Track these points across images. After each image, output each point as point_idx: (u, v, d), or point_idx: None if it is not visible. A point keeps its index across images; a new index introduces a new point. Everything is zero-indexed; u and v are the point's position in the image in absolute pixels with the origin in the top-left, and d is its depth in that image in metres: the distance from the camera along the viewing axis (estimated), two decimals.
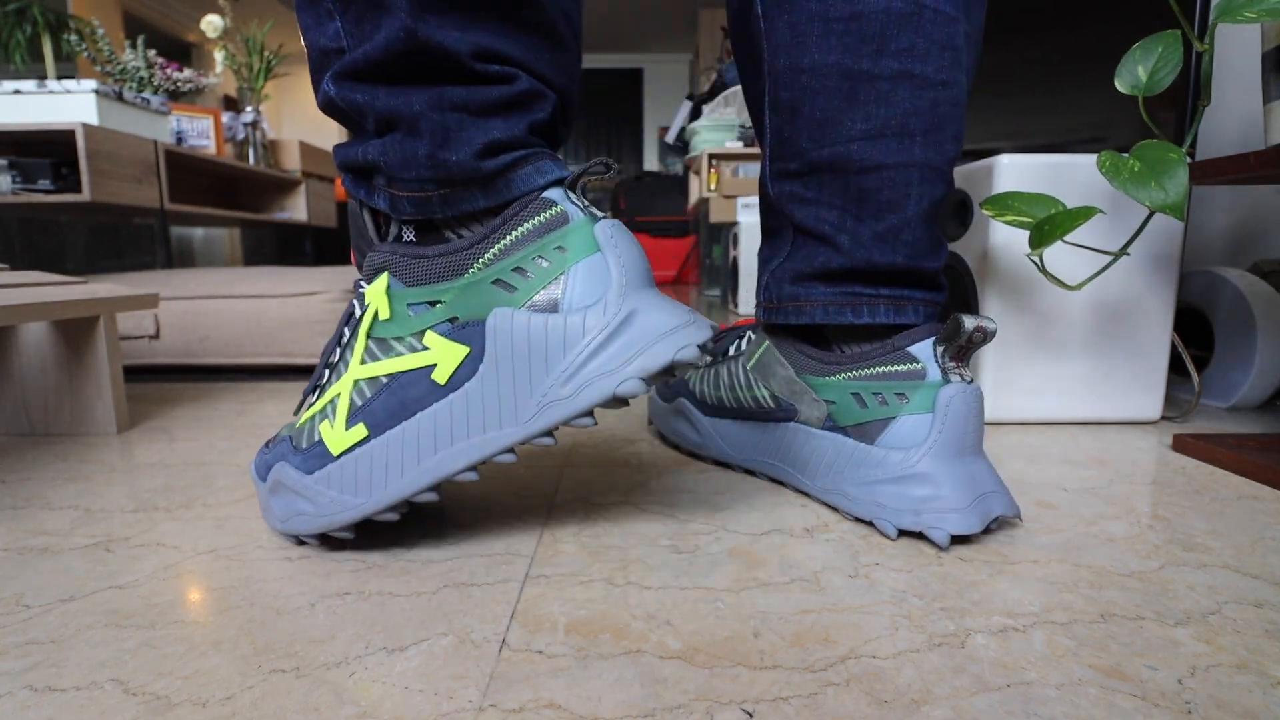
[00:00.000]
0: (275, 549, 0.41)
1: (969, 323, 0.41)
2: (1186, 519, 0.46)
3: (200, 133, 1.99)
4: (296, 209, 2.25)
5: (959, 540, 0.42)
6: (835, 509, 0.47)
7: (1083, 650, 0.30)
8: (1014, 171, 0.67)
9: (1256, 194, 0.97)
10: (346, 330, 0.40)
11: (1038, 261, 0.60)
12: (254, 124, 2.17)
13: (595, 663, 0.29)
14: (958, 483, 0.41)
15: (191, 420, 0.75)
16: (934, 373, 0.43)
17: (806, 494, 0.50)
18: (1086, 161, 0.67)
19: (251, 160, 2.19)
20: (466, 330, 0.37)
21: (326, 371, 0.42)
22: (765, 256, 0.54)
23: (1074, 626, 0.32)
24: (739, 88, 2.94)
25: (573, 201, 0.38)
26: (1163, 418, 0.74)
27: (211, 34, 2.09)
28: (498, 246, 0.37)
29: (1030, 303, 0.69)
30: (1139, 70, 0.59)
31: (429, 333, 0.37)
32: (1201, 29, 0.70)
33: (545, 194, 0.37)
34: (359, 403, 0.38)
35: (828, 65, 0.45)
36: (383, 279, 0.38)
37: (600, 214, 0.38)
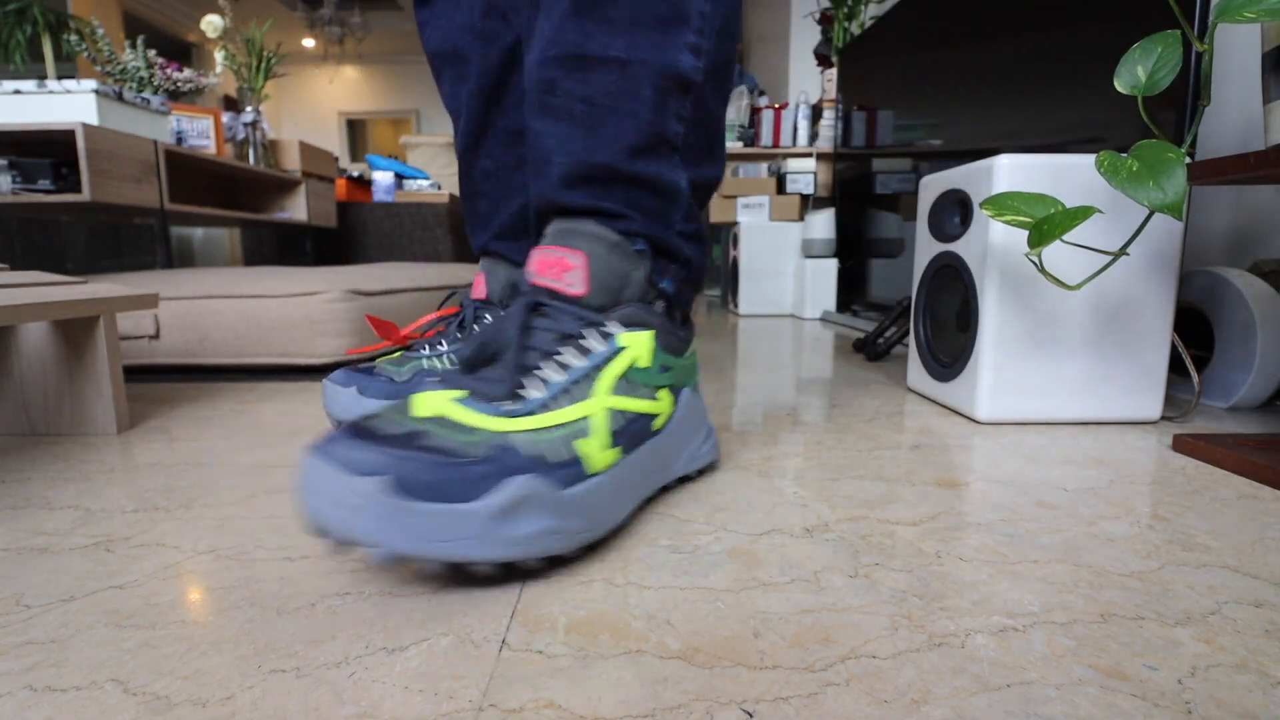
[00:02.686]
0: (275, 549, 0.41)
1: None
2: (1186, 519, 0.46)
3: (200, 133, 1.99)
4: (296, 209, 2.25)
5: (959, 539, 0.42)
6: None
7: (1083, 650, 0.30)
8: (1014, 171, 0.67)
9: (1256, 194, 0.97)
10: (580, 359, 0.43)
11: (1036, 261, 0.60)
12: (254, 124, 2.17)
13: (595, 663, 0.29)
14: None
15: (191, 420, 0.75)
16: None
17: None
18: (1086, 161, 0.67)
19: (251, 160, 2.19)
20: (678, 395, 0.49)
21: (547, 385, 0.41)
22: None
23: (1074, 626, 0.32)
24: (740, 88, 2.94)
25: None
26: (1163, 418, 0.74)
27: (211, 34, 2.09)
28: (695, 343, 0.50)
29: (1030, 303, 0.69)
30: (1138, 70, 0.59)
31: (662, 389, 0.47)
32: (1201, 29, 0.70)
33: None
34: (615, 427, 0.42)
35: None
36: (650, 336, 0.46)
37: None
